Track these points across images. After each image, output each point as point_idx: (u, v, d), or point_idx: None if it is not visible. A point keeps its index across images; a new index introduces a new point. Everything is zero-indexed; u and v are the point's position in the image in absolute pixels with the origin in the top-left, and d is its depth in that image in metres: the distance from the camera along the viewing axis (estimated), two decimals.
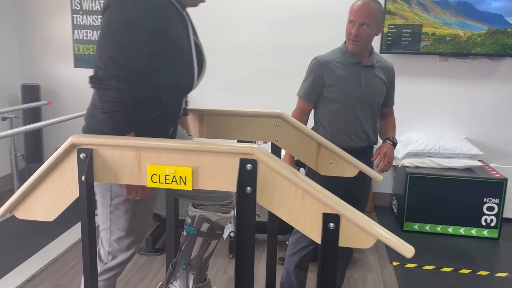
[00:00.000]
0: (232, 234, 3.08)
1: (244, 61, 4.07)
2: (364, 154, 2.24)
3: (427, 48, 3.73)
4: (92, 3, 4.23)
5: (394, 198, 3.98)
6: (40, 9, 4.33)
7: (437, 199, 3.52)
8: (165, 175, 1.32)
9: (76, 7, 4.26)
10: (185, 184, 1.31)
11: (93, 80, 1.41)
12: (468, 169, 3.60)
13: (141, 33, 1.41)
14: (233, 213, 1.87)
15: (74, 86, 4.39)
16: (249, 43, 4.04)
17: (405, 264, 3.04)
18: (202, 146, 1.29)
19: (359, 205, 2.34)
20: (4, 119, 3.68)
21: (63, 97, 4.44)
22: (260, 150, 1.27)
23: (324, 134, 2.20)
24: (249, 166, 1.27)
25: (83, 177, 1.33)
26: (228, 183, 1.31)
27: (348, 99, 2.15)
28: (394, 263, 3.06)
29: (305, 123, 2.27)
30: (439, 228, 3.55)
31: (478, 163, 3.61)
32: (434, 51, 3.73)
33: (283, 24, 3.98)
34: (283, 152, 2.31)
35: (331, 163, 1.98)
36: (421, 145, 3.66)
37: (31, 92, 4.23)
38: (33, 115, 4.21)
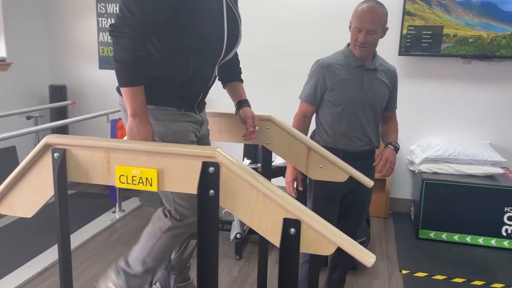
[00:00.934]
0: (238, 236, 3.09)
1: (260, 63, 4.08)
2: (366, 157, 2.20)
3: (449, 50, 3.60)
4: (116, 7, 4.35)
5: (412, 204, 3.87)
6: (68, 12, 4.51)
7: (455, 207, 3.39)
8: (132, 176, 1.34)
9: (101, 11, 4.40)
10: (151, 185, 1.33)
11: (111, 28, 1.45)
12: (490, 177, 3.46)
13: None
14: None
15: (99, 86, 4.54)
16: (265, 45, 4.04)
17: (415, 273, 2.95)
18: (166, 149, 1.31)
19: (361, 208, 2.30)
20: (29, 118, 3.85)
21: (88, 97, 4.59)
22: (222, 153, 1.27)
23: (326, 137, 2.18)
24: (211, 169, 1.27)
25: (56, 176, 1.37)
26: (193, 185, 1.32)
27: (350, 102, 2.12)
28: (404, 271, 2.97)
29: (307, 126, 2.25)
30: (456, 237, 3.42)
31: (501, 171, 3.46)
32: (455, 53, 3.60)
33: (299, 27, 3.96)
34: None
35: (321, 167, 1.95)
36: (439, 150, 3.54)
37: (58, 92, 4.41)
38: (60, 114, 4.38)
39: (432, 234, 3.46)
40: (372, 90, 2.14)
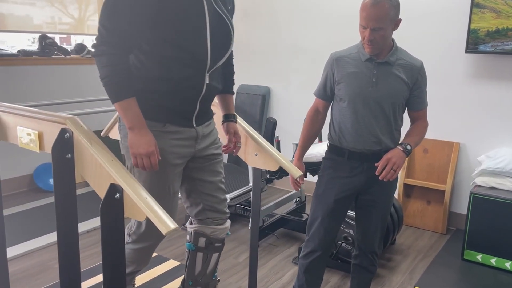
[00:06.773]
0: None
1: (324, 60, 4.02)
2: (375, 159, 1.96)
3: None
4: None
5: None
6: None
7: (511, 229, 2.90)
8: (27, 137, 1.61)
9: None
10: (36, 146, 1.58)
11: (92, 49, 1.56)
12: None
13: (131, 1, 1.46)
14: (228, 223, 1.92)
15: None
16: (329, 43, 3.97)
17: None
18: (38, 115, 1.53)
19: (376, 210, 2.08)
20: None
21: None
22: (73, 121, 1.45)
23: (334, 135, 2.06)
24: (67, 135, 1.46)
25: None
26: None
27: (354, 97, 1.96)
28: None
29: (320, 121, 2.13)
30: (508, 264, 2.93)
31: None
32: None
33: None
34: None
35: (256, 155, 1.96)
36: (501, 162, 3.06)
37: None
38: None
39: (479, 257, 3.02)
40: (382, 85, 1.94)
